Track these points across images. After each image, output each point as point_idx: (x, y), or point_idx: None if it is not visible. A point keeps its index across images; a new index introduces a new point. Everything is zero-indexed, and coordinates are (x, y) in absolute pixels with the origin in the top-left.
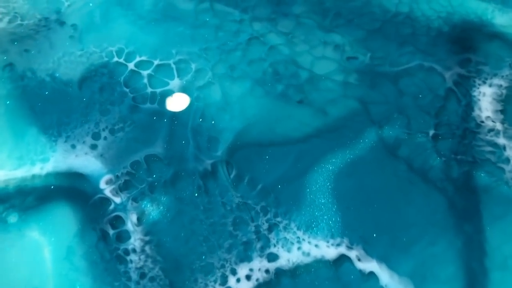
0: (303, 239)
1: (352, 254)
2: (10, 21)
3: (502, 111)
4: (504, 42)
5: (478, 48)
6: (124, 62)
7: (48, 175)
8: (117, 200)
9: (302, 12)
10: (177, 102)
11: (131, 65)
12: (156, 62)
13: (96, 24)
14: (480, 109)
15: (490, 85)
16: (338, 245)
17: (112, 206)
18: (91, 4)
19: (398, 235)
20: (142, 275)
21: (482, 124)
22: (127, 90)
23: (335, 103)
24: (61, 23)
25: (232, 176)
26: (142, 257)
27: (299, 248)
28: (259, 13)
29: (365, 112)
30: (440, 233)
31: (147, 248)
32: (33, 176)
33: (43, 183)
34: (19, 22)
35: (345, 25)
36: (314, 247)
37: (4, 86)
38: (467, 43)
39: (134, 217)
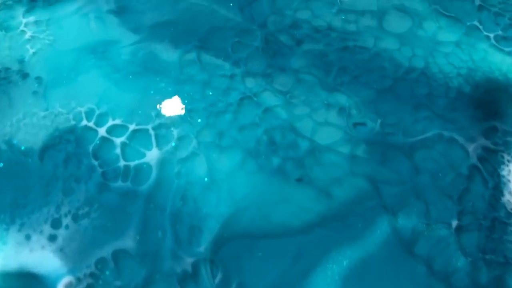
0: None
1: None
2: None
3: None
4: None
5: (504, 113)
6: (94, 126)
7: None
8: None
9: (302, 66)
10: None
11: (102, 131)
12: (132, 127)
13: (64, 77)
14: (510, 193)
15: None
16: None
17: None
18: (60, 52)
19: None
20: None
21: None
22: (96, 163)
23: (340, 183)
24: (24, 75)
25: (217, 280)
26: None
27: None
28: (253, 67)
29: (376, 195)
30: None
31: None
32: None
33: None
34: None
35: (351, 82)
36: None
37: None
38: (492, 107)
39: None
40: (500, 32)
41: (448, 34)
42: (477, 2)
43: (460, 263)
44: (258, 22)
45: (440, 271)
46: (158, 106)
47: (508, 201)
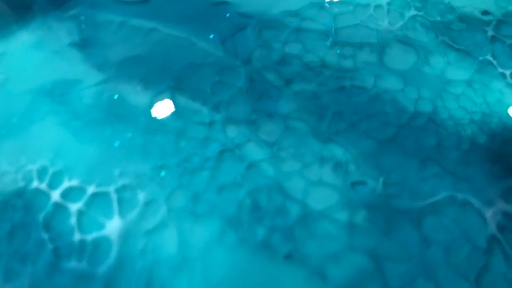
0: None
1: None
2: None
3: None
4: None
5: None
6: (46, 189)
7: None
8: None
9: (292, 111)
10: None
11: (55, 195)
12: (91, 189)
13: (15, 126)
14: None
15: None
16: None
17: None
18: (11, 94)
19: None
20: None
21: None
22: (47, 236)
23: (337, 260)
24: None
25: None
26: None
27: None
28: (236, 112)
29: (379, 276)
30: None
31: None
32: None
33: None
34: None
35: (348, 131)
36: None
37: None
38: (511, 161)
39: None
40: None
41: (458, 71)
42: (490, 33)
43: None
44: (242, 58)
45: None
46: (123, 162)
47: None
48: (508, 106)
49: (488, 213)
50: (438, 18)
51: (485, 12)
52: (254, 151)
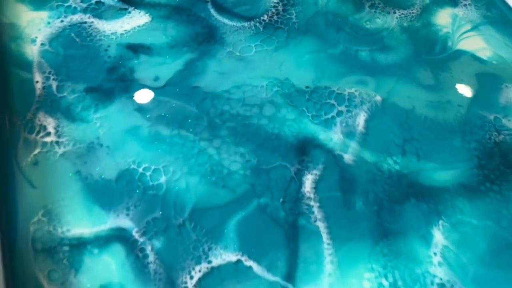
0: None
1: None
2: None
3: (315, 188)
4: (321, 148)
5: (309, 153)
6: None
7: None
8: None
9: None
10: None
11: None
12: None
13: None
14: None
15: (311, 174)
16: None
17: None
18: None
19: None
20: None
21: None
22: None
23: None
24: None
25: None
26: None
27: None
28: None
29: None
30: None
31: None
32: None
33: None
34: None
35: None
36: None
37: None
38: (305, 150)
39: None
40: (314, 112)
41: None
42: (307, 96)
43: None
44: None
45: None
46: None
47: (303, 190)
48: (307, 129)
49: (292, 168)
50: None
51: None
52: (211, 151)
